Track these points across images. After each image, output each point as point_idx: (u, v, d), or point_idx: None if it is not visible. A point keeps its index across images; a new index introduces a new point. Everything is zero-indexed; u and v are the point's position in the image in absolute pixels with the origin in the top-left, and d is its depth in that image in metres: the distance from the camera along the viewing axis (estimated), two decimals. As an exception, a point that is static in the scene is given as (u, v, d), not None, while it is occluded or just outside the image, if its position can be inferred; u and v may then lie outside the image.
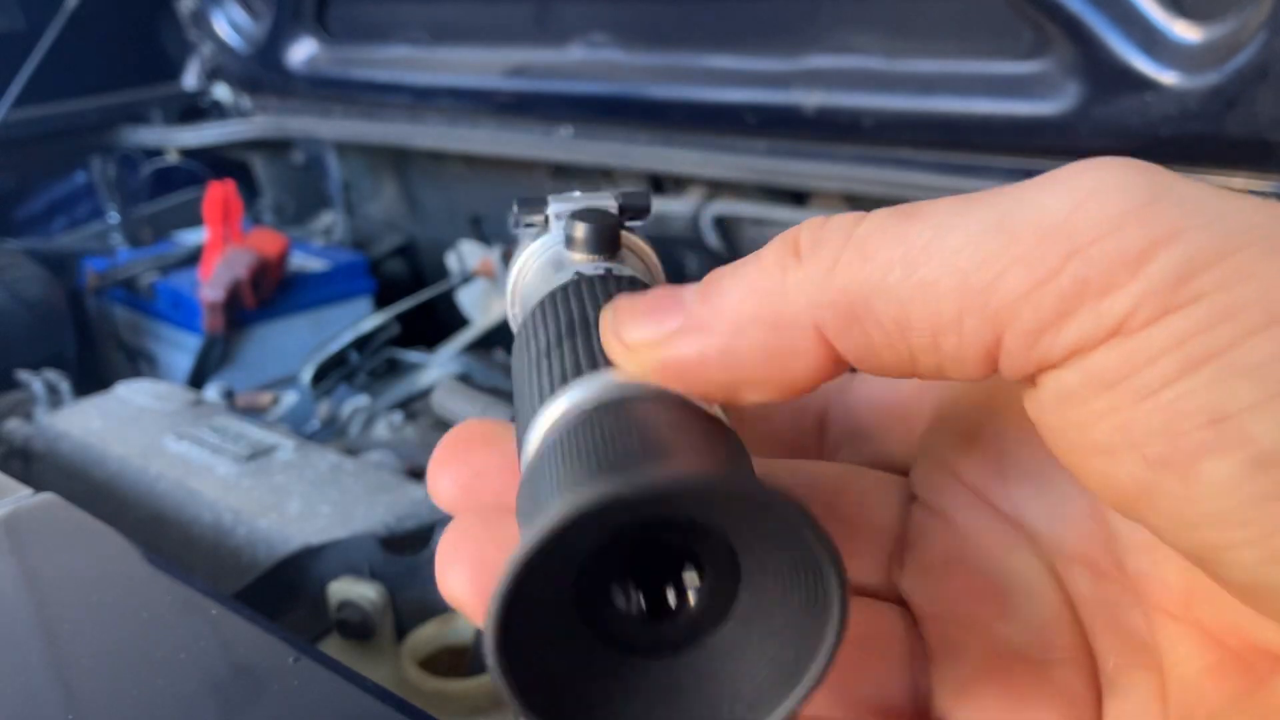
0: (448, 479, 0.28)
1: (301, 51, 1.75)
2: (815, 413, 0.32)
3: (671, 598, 0.23)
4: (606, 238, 0.32)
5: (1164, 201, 0.21)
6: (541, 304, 0.30)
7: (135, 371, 1.69)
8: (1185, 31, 0.90)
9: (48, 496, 0.71)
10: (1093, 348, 0.21)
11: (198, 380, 1.50)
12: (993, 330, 0.22)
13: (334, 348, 1.46)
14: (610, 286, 0.30)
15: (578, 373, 0.26)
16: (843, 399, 0.33)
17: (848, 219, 0.24)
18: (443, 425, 1.27)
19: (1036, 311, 0.21)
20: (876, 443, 0.32)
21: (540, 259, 0.33)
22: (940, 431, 0.30)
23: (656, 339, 0.25)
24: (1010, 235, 0.22)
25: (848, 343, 0.24)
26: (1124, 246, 0.21)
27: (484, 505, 0.28)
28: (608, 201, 0.34)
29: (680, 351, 0.24)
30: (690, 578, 0.23)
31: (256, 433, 1.04)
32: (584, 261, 0.32)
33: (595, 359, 0.26)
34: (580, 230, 0.32)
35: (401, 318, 1.54)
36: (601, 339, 0.26)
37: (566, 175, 1.58)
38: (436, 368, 1.43)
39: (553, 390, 0.25)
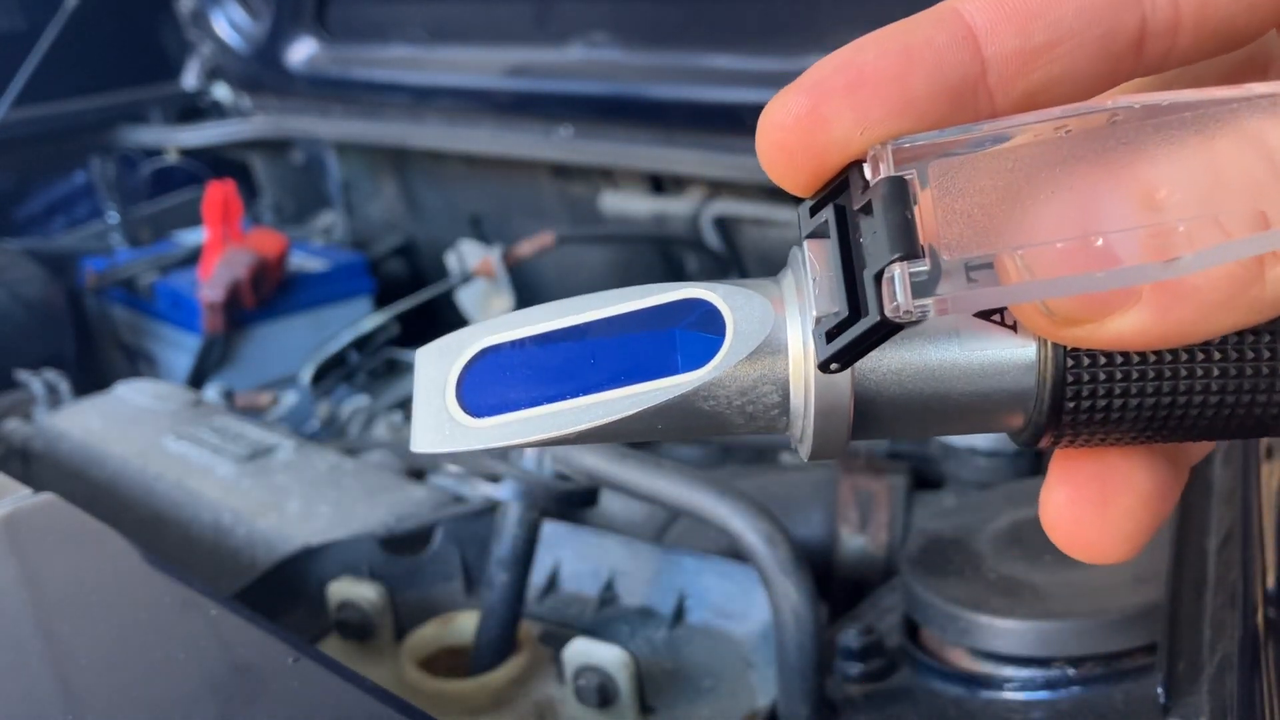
0: None
1: (301, 51, 1.75)
2: (1131, 31, 0.26)
3: None
4: None
5: None
6: None
7: (135, 371, 1.69)
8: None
9: (47, 497, 0.71)
10: None
11: (197, 380, 1.50)
12: None
13: (334, 348, 1.46)
14: None
15: None
16: None
17: None
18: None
19: None
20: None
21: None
22: None
23: (1097, 312, 0.24)
24: None
25: None
26: None
27: None
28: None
29: (1123, 329, 0.24)
30: None
31: (256, 433, 1.04)
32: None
33: None
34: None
35: (401, 318, 1.54)
36: (1016, 311, 0.25)
37: (567, 175, 1.58)
38: (436, 368, 1.42)
39: None
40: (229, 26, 1.83)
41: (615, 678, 0.66)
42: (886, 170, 0.23)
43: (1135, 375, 0.25)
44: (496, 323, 0.27)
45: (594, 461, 0.65)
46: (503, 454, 0.22)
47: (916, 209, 0.22)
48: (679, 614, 0.77)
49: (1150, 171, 0.22)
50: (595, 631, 0.76)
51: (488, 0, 1.51)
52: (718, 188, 1.38)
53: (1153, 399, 0.26)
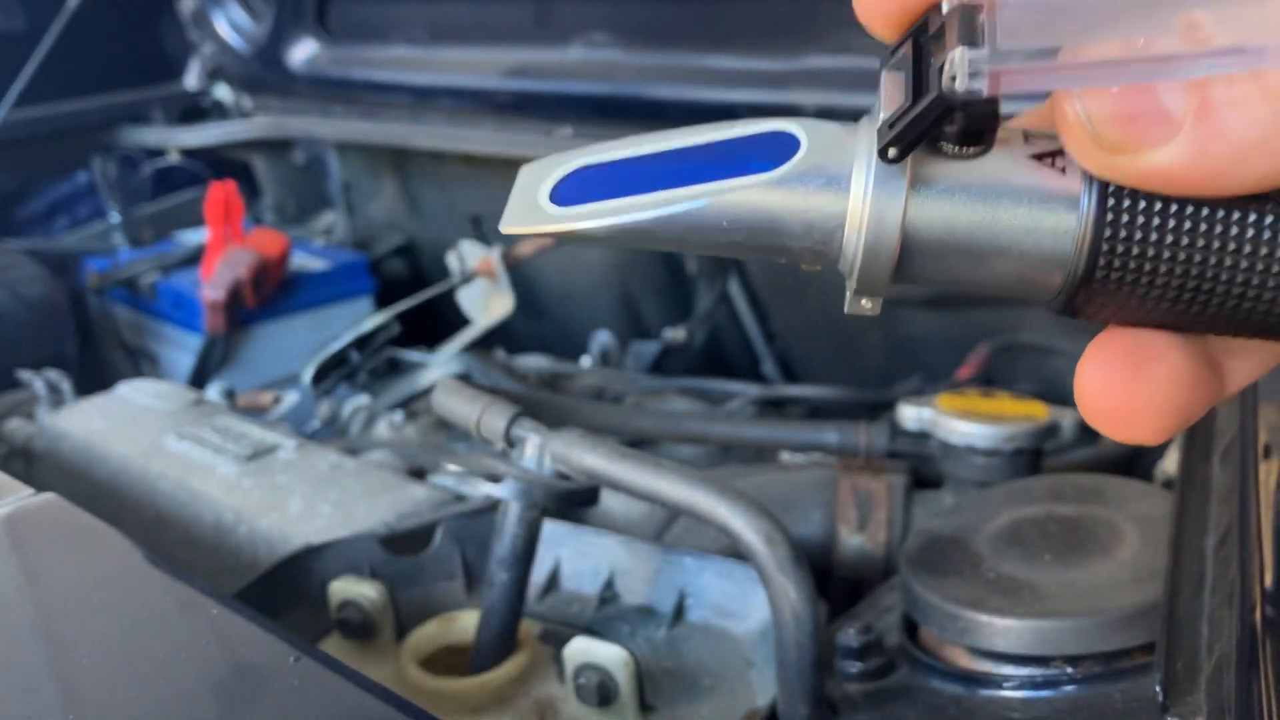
0: None
1: (302, 52, 1.76)
2: None
3: None
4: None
5: None
6: None
7: (136, 371, 1.69)
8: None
9: (49, 496, 0.71)
10: None
11: (199, 380, 1.50)
12: None
13: (335, 347, 1.46)
14: None
15: None
16: None
17: None
18: (443, 425, 1.27)
19: None
20: None
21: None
22: None
23: (1137, 142, 0.25)
24: None
25: None
26: None
27: None
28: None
29: (1162, 162, 0.25)
30: None
31: (258, 432, 1.05)
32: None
33: None
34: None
35: (402, 317, 1.55)
36: (1063, 129, 0.26)
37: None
38: (437, 367, 1.43)
39: None
40: (230, 27, 1.83)
41: (615, 676, 0.66)
42: (960, 1, 0.25)
43: (1169, 240, 0.27)
44: (594, 148, 0.30)
45: (594, 461, 0.65)
46: (587, 239, 0.24)
47: (980, 15, 0.25)
48: (679, 613, 0.78)
49: (1192, 2, 0.24)
50: (595, 630, 0.76)
51: (488, 1, 1.51)
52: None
53: (1183, 269, 0.27)
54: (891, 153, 0.27)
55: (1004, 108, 0.26)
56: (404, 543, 0.84)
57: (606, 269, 1.63)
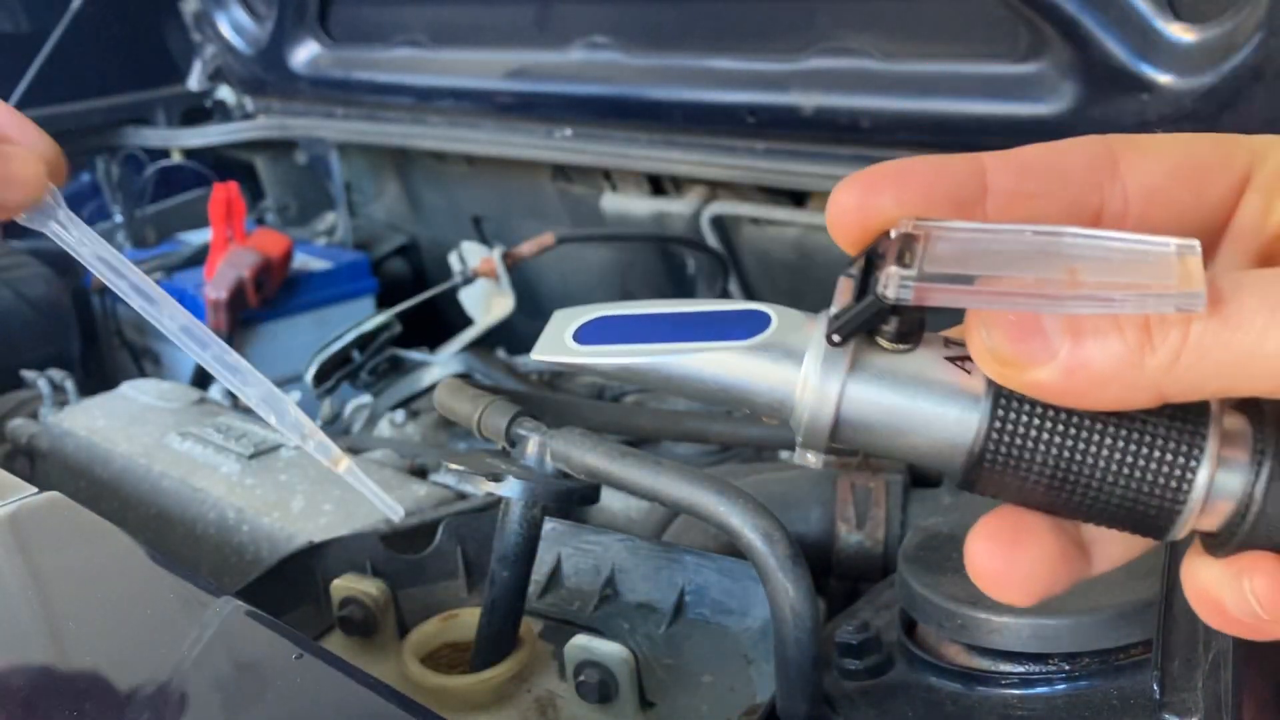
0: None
1: (304, 53, 1.76)
2: (1093, 208, 0.36)
3: None
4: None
5: None
6: None
7: (140, 370, 1.70)
8: (1181, 33, 0.91)
9: (53, 495, 0.71)
10: None
11: (202, 379, 1.51)
12: None
13: (337, 347, 1.46)
14: None
15: None
16: (1115, 187, 0.36)
17: (1177, 319, 0.31)
18: (444, 424, 1.28)
19: None
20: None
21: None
22: None
23: (1024, 360, 0.32)
24: None
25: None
26: None
27: None
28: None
29: (1040, 379, 0.32)
30: None
31: (260, 431, 1.05)
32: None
33: None
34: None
35: (404, 317, 1.55)
36: (970, 342, 0.33)
37: (567, 176, 1.58)
38: (438, 367, 1.43)
39: None
40: (232, 28, 1.83)
41: (616, 674, 0.67)
42: (905, 229, 0.33)
43: (1045, 439, 0.33)
44: (614, 305, 0.38)
45: (594, 459, 0.66)
46: (597, 373, 0.32)
47: (917, 245, 0.32)
48: (679, 610, 0.78)
49: (1075, 258, 0.31)
50: (596, 628, 0.77)
51: (489, 3, 1.51)
52: (717, 188, 1.39)
53: (1054, 463, 0.33)
54: (835, 339, 0.34)
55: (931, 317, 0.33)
56: (405, 541, 0.84)
57: (606, 269, 1.64)
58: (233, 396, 1.34)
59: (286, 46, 1.76)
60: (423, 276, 1.88)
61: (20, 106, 1.77)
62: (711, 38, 1.26)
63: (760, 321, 0.36)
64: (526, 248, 1.46)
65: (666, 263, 1.55)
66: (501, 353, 1.49)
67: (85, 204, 1.97)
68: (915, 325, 0.34)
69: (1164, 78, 0.91)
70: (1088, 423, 0.33)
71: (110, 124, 1.92)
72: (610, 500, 0.95)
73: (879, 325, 0.34)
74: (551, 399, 0.91)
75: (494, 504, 0.84)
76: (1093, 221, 0.35)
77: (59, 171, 0.51)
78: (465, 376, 1.28)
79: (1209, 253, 0.35)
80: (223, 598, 0.61)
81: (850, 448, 0.36)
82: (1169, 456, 0.32)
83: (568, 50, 1.41)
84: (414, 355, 1.50)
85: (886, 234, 0.33)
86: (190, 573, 0.63)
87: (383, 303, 1.68)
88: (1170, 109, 0.91)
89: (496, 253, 1.48)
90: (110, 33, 1.89)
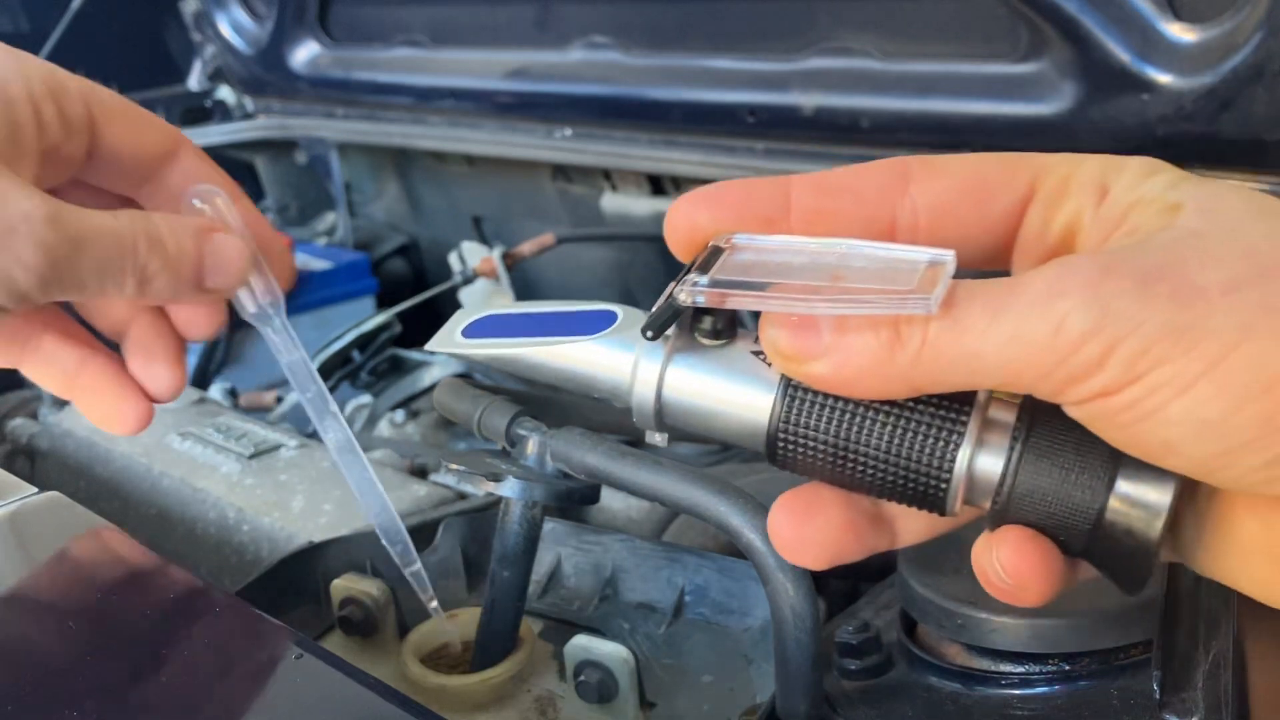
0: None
1: (304, 53, 1.76)
2: (887, 223, 0.40)
3: None
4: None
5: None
6: None
7: (139, 371, 1.69)
8: (1181, 33, 0.91)
9: (52, 495, 0.72)
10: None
11: (201, 379, 1.51)
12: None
13: (336, 347, 1.46)
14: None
15: None
16: (906, 204, 0.40)
17: (920, 321, 0.35)
18: (444, 424, 1.28)
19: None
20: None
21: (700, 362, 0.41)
22: None
23: (800, 355, 0.37)
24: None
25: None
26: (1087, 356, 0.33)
27: None
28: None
29: (814, 371, 0.37)
30: None
31: (260, 431, 1.05)
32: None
33: None
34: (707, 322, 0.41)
35: (404, 317, 1.55)
36: (761, 339, 0.38)
37: (567, 176, 1.58)
38: (438, 367, 1.43)
39: None
40: (232, 29, 1.83)
41: (616, 674, 0.67)
42: (715, 243, 0.39)
43: (824, 422, 0.38)
44: (498, 306, 0.45)
45: (594, 459, 0.66)
46: (477, 361, 0.43)
47: (721, 256, 0.39)
48: (679, 610, 0.78)
49: (843, 266, 0.37)
50: (596, 628, 0.77)
51: (489, 3, 1.51)
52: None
53: (833, 443, 0.38)
54: (648, 335, 0.39)
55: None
56: (405, 541, 0.84)
57: (606, 269, 1.64)
58: (233, 396, 1.34)
59: (286, 46, 1.76)
60: (423, 276, 1.87)
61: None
62: (711, 38, 1.26)
63: (608, 320, 0.42)
64: (526, 248, 1.46)
65: (666, 262, 1.55)
66: (501, 353, 1.49)
67: (85, 204, 1.96)
68: (727, 323, 0.40)
69: (1164, 78, 0.91)
70: (861, 409, 0.38)
71: (110, 124, 1.92)
72: (610, 500, 0.95)
73: (697, 323, 0.40)
74: (551, 399, 0.91)
75: (494, 504, 0.84)
76: (887, 235, 0.40)
77: (286, 276, 0.61)
78: (465, 376, 1.28)
79: (1002, 262, 0.41)
80: (223, 597, 0.61)
81: (683, 428, 0.41)
82: (931, 440, 0.37)
83: (567, 50, 1.41)
84: (414, 355, 1.50)
85: (706, 245, 0.40)
86: (190, 572, 0.63)
87: (383, 303, 1.68)
88: (1170, 109, 0.91)
89: (496, 253, 1.48)
90: (110, 33, 1.89)
